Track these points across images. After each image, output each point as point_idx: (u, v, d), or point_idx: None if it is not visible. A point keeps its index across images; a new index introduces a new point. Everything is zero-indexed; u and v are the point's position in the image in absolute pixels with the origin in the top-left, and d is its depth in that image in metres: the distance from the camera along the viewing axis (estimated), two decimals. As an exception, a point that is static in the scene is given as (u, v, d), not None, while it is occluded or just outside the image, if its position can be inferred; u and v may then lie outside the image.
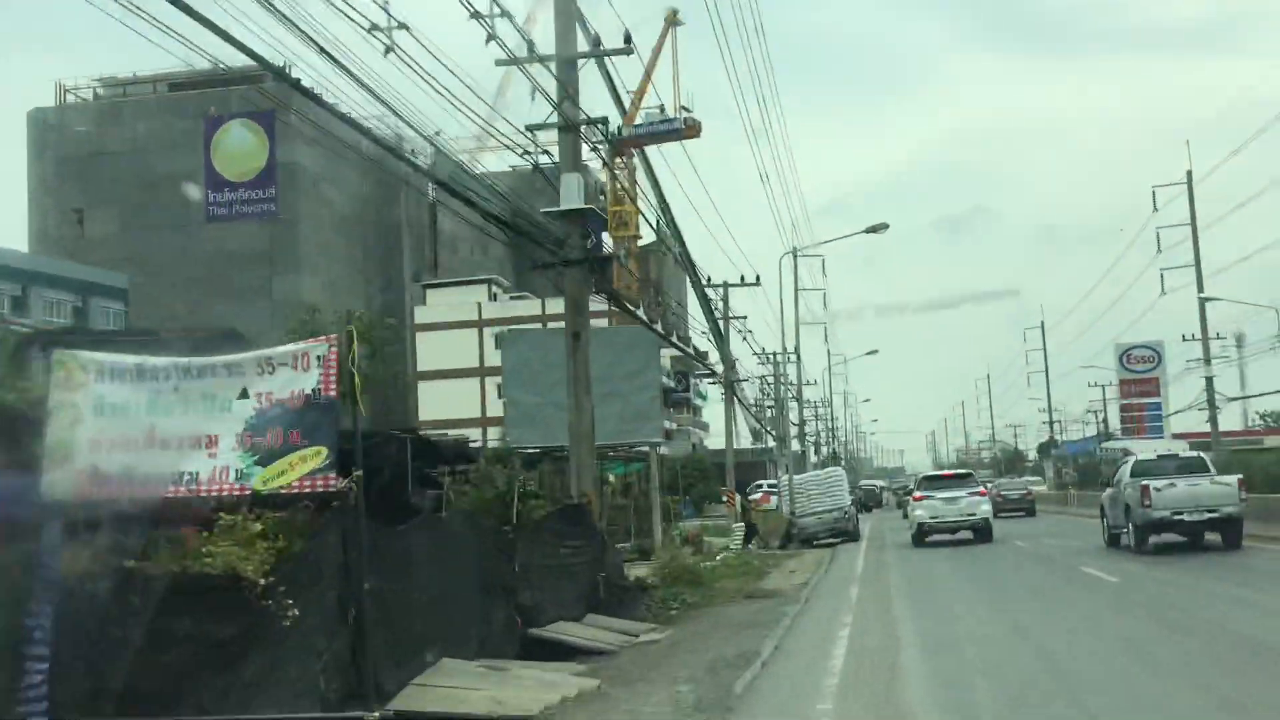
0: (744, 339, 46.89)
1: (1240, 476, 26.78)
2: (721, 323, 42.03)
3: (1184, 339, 64.80)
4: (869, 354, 59.59)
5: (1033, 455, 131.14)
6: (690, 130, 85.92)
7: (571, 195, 21.70)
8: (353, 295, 74.78)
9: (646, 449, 32.79)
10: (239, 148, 72.04)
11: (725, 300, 41.93)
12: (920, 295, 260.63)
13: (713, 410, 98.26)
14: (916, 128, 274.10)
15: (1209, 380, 62.84)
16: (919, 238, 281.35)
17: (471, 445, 21.82)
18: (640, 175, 63.51)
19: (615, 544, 32.05)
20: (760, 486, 61.61)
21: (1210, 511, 25.18)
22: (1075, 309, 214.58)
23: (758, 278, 42.83)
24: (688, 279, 46.79)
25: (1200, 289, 62.32)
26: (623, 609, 18.93)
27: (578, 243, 21.78)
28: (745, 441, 71.49)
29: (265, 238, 69.71)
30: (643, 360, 30.57)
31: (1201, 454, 30.89)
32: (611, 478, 38.97)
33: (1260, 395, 66.75)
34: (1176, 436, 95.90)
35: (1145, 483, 25.72)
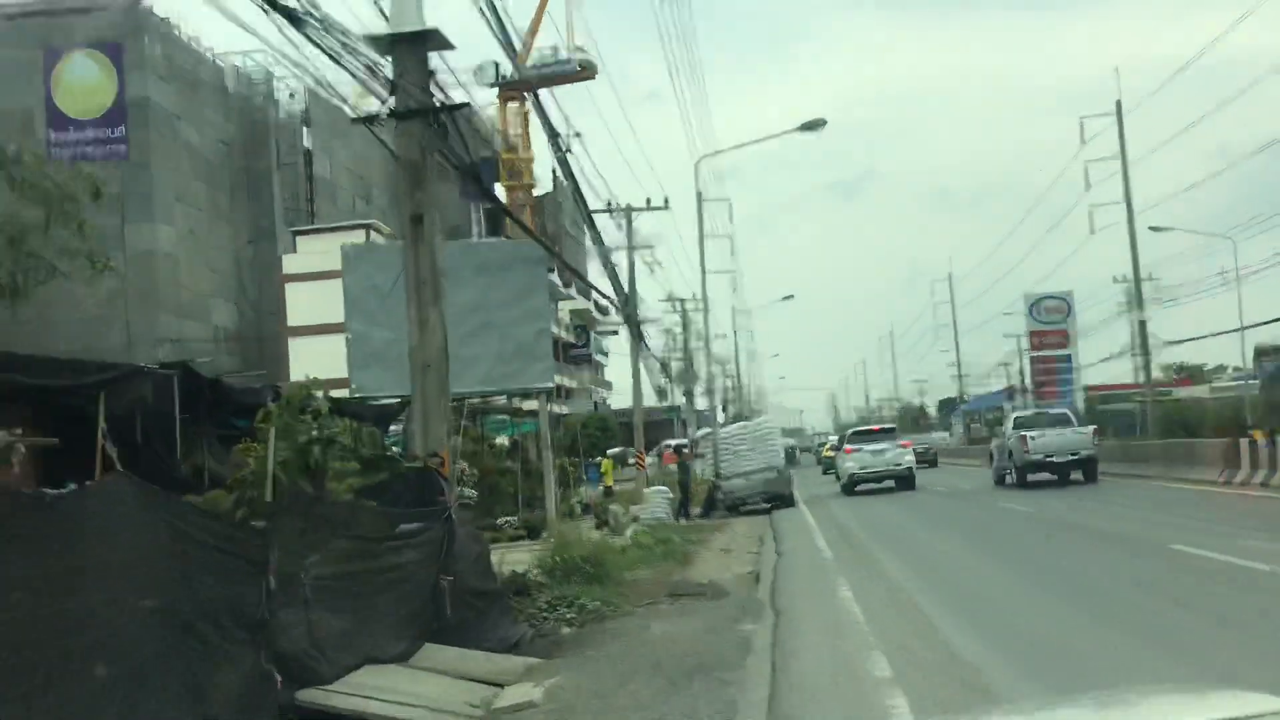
0: (651, 272, 39.80)
1: (1095, 427, 35.29)
2: (625, 254, 34.76)
3: (1114, 280, 58.70)
4: (785, 299, 53.60)
5: (934, 413, 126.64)
6: (585, 71, 78.46)
7: (408, 11, 14.17)
8: (215, 246, 65.96)
9: (534, 399, 25.56)
10: (84, 81, 62.99)
11: (628, 224, 34.68)
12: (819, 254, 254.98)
13: (615, 368, 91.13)
14: (807, 90, 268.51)
15: (1142, 325, 56.87)
16: (812, 201, 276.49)
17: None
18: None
19: (494, 520, 24.69)
20: (669, 446, 54.61)
21: (1073, 454, 30.91)
22: (986, 260, 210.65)
23: (666, 200, 35.67)
24: (586, 231, 39.53)
25: (1131, 225, 56.46)
26: (484, 629, 11.84)
27: (416, 82, 14.29)
28: (650, 400, 64.39)
29: (115, 182, 60.47)
30: (527, 282, 23.17)
31: (1066, 410, 37.35)
32: (499, 439, 31.48)
33: (1193, 339, 60.52)
34: (1092, 389, 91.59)
35: (1024, 433, 31.40)
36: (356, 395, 22.11)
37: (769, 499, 29.83)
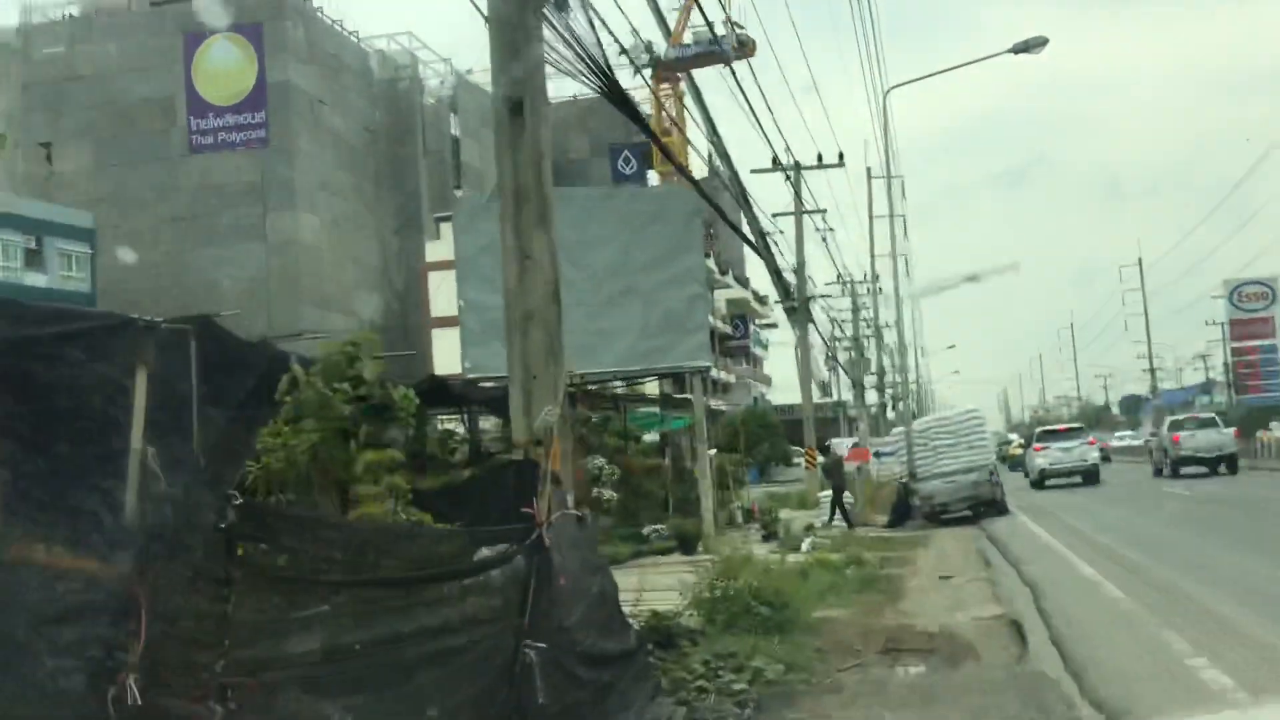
0: (823, 240, 34.88)
1: (1235, 429, 39.50)
2: (793, 221, 29.88)
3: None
4: (969, 280, 48.17)
5: (1115, 410, 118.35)
6: (744, 49, 73.62)
7: None
8: (360, 236, 63.12)
9: (686, 382, 20.99)
10: (224, 66, 60.49)
11: (797, 189, 29.82)
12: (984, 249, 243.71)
13: (775, 362, 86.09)
14: (976, 80, 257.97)
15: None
16: (980, 191, 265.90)
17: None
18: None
19: (639, 528, 20.21)
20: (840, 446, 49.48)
21: (1217, 450, 35.60)
22: (1174, 248, 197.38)
23: (840, 156, 30.68)
24: (743, 215, 34.94)
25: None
26: (605, 714, 7.32)
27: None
28: (814, 397, 59.29)
29: (256, 170, 58.16)
30: (679, 239, 18.63)
31: (1214, 415, 42.60)
32: (646, 436, 26.99)
33: None
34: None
35: (1175, 433, 36.98)
36: (470, 375, 17.85)
37: (975, 505, 24.65)
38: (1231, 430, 37.93)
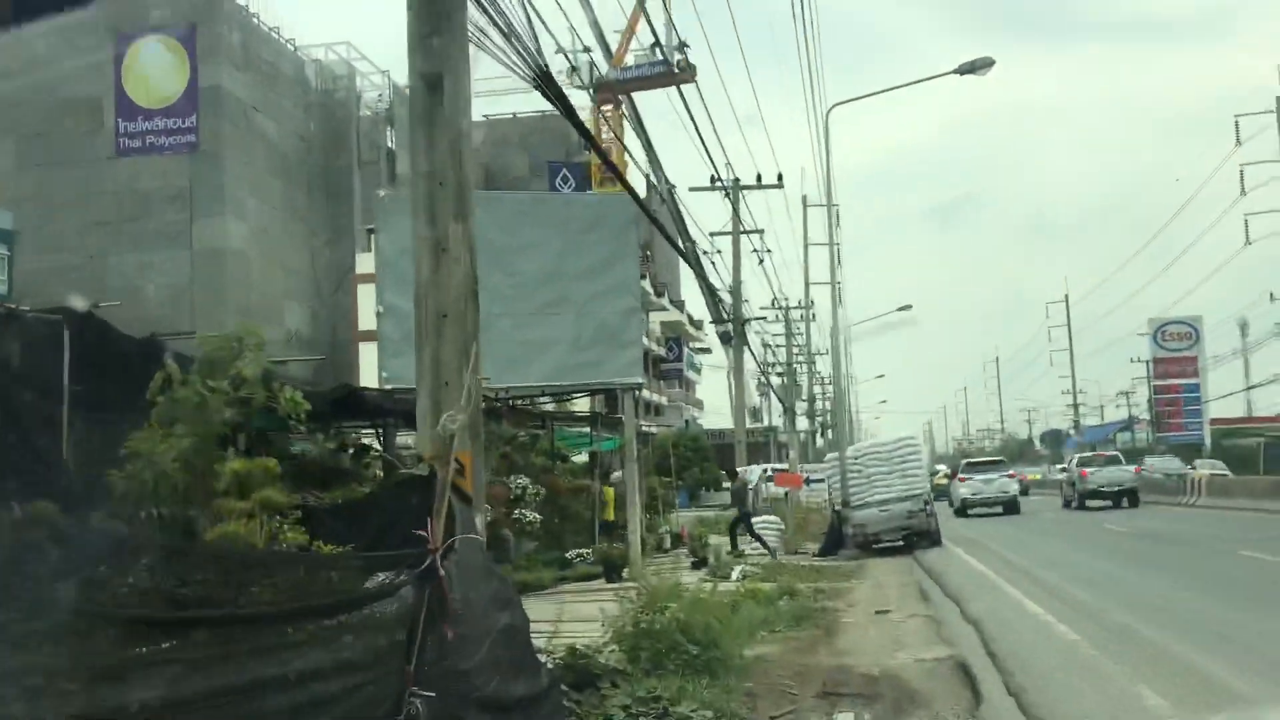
0: (760, 261, 34.04)
1: (1137, 467, 44.31)
2: (730, 240, 28.96)
3: (1271, 298, 51.53)
4: (901, 309, 47.17)
5: (1039, 445, 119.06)
6: (684, 74, 73.01)
7: None
8: (290, 245, 61.39)
9: (619, 401, 19.98)
10: (155, 69, 58.69)
11: (735, 206, 28.95)
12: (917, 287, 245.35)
13: (707, 387, 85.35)
14: (909, 112, 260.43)
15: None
16: (908, 226, 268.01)
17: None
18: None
19: (563, 553, 19.20)
20: (766, 472, 48.66)
21: (1119, 485, 38.70)
22: (1100, 285, 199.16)
23: (780, 177, 29.90)
24: (679, 234, 33.95)
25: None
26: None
27: None
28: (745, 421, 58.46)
29: (184, 175, 56.31)
30: (615, 249, 17.62)
31: (1117, 452, 47.48)
32: (576, 456, 25.95)
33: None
34: (1215, 422, 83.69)
35: (1083, 468, 40.64)
36: (388, 386, 16.68)
37: (910, 535, 23.79)
38: (1133, 467, 42.20)
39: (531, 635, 8.37)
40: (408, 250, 17.55)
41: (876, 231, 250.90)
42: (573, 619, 11.80)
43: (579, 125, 14.33)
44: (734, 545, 23.45)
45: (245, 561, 5.50)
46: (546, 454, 23.43)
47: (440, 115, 8.89)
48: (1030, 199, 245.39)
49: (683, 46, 75.65)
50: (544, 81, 12.19)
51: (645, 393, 62.27)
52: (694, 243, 27.92)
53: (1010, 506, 37.76)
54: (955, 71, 22.91)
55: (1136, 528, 25.20)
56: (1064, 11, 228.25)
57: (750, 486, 25.01)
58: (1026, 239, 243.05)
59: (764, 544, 23.12)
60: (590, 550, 19.14)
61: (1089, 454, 46.73)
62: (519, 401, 21.39)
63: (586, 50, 21.48)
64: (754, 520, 25.96)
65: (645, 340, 63.13)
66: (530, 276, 17.30)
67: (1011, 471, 42.65)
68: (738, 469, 28.54)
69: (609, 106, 79.74)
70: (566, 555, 19.00)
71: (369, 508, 8.84)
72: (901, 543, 23.99)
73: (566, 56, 21.82)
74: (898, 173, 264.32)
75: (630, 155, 37.39)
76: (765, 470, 47.02)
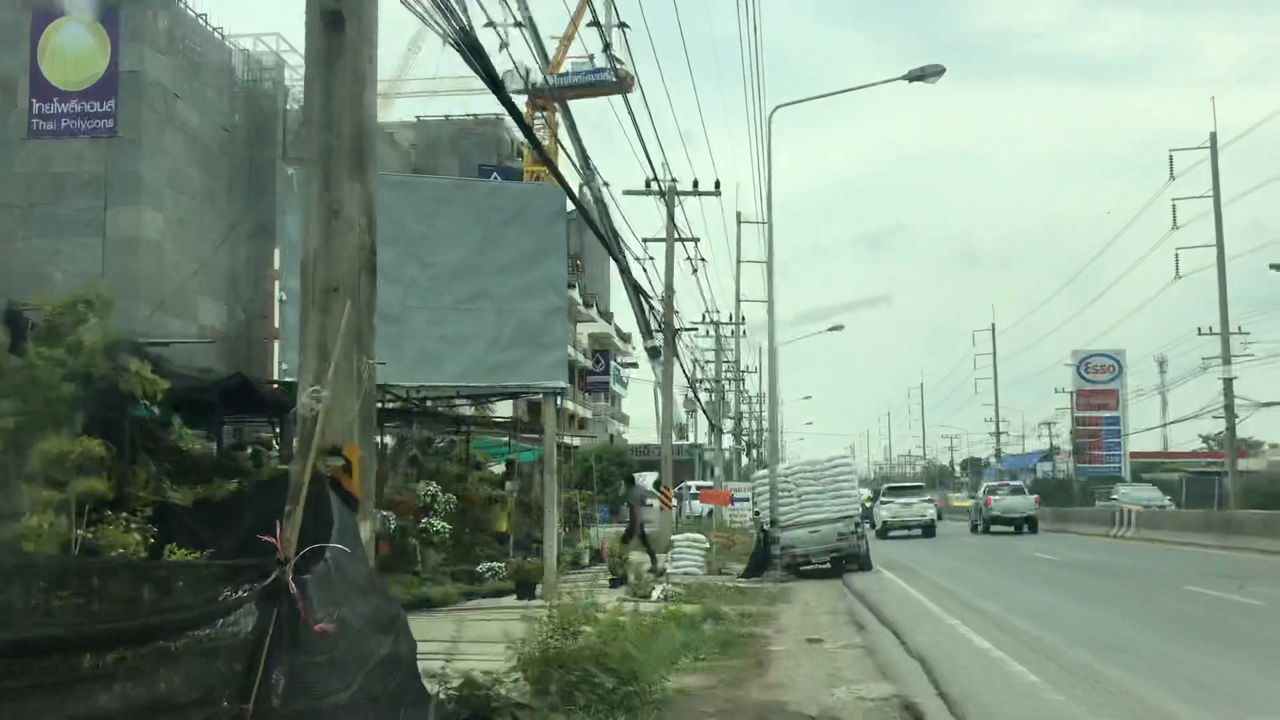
0: (694, 271, 33.03)
1: (1036, 496, 48.64)
2: (664, 248, 27.87)
3: (1199, 332, 51.50)
4: (833, 329, 46.46)
5: (959, 473, 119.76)
6: (622, 84, 72.08)
7: None
8: (209, 239, 59.35)
9: (540, 409, 18.78)
10: (74, 50, 56.48)
11: (670, 209, 27.91)
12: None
13: (634, 402, 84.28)
14: (838, 145, 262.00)
15: (1227, 383, 49.69)
16: (839, 252, 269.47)
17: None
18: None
19: (474, 567, 18.00)
20: (690, 489, 47.70)
21: (1020, 513, 42.73)
22: (1025, 317, 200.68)
23: (717, 184, 28.92)
24: (609, 253, 32.82)
25: (1221, 269, 49.49)
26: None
27: None
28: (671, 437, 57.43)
29: (100, 161, 54.15)
30: (541, 243, 16.45)
31: (1020, 483, 50.39)
32: (493, 466, 24.72)
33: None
34: (1135, 455, 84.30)
35: (988, 496, 45.12)
36: (289, 379, 15.34)
37: (839, 559, 22.76)
38: (1034, 497, 46.62)
39: (420, 662, 7.20)
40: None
41: (807, 256, 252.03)
42: (477, 639, 10.57)
43: (507, 102, 13.18)
44: (654, 561, 22.46)
45: (34, 567, 4.27)
46: (462, 461, 22.16)
47: (340, 59, 7.72)
48: (959, 231, 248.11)
49: (617, 61, 74.99)
50: (467, 46, 11.05)
51: (570, 405, 61.02)
52: (622, 241, 26.94)
53: (928, 530, 39.92)
54: (905, 78, 22.04)
55: (1069, 559, 24.48)
56: (996, 50, 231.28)
57: (642, 493, 24.19)
58: (953, 270, 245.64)
59: (651, 555, 22.47)
60: (503, 564, 17.90)
61: (995, 484, 50.19)
62: (433, 403, 20.14)
63: (519, 25, 20.30)
64: (676, 538, 24.90)
65: (572, 351, 61.96)
66: (448, 268, 16.12)
67: (929, 497, 46.50)
68: (634, 477, 27.60)
69: (542, 114, 78.77)
70: (477, 569, 17.75)
71: (238, 508, 7.64)
72: (829, 565, 23.00)
73: (498, 32, 20.66)
74: (830, 201, 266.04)
75: (567, 155, 36.32)
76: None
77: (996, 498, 43.96)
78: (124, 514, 6.50)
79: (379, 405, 17.60)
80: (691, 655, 11.21)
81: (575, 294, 59.00)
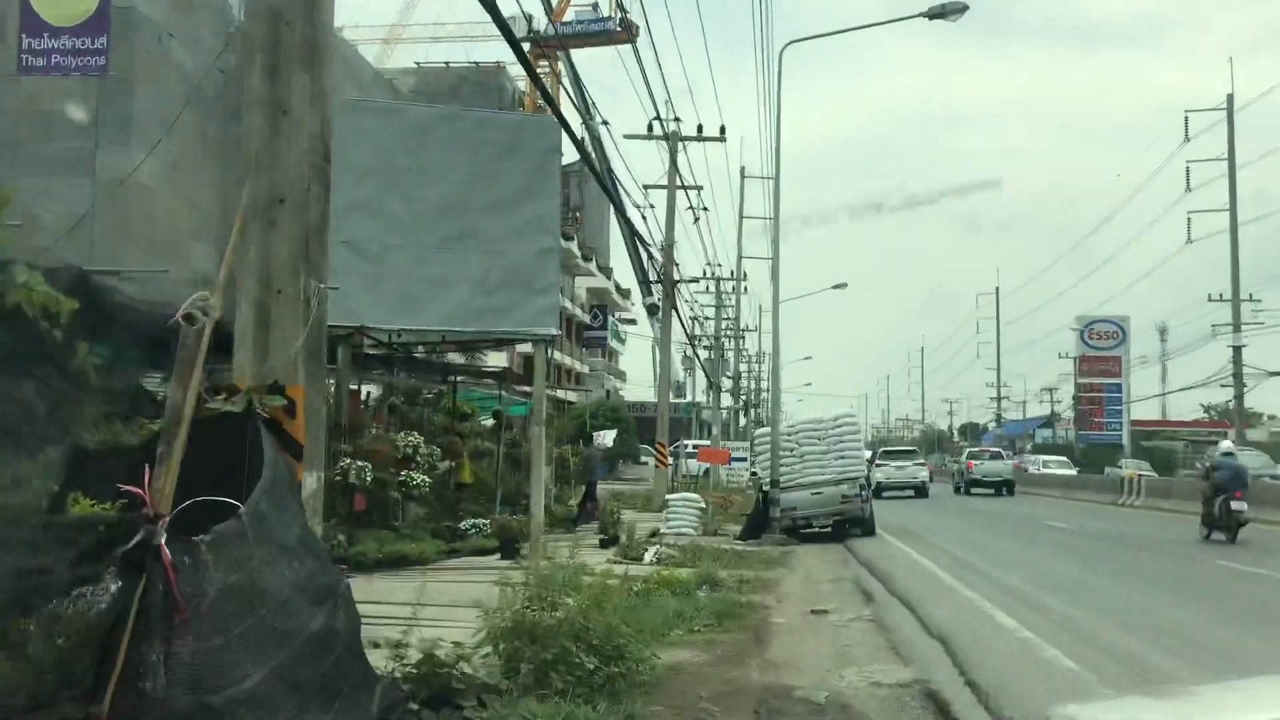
0: (695, 220, 31.81)
1: (1015, 462, 52.04)
2: (665, 194, 26.70)
3: (1210, 299, 50.44)
4: (837, 287, 45.33)
5: (958, 438, 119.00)
6: (625, 34, 70.54)
7: None
8: (201, 182, 57.92)
9: (528, 351, 17.66)
10: (64, -17, 55.26)
11: (673, 153, 26.72)
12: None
13: (631, 359, 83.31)
14: (841, 104, 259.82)
15: (1237, 351, 48.65)
16: (842, 213, 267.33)
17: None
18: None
19: (455, 523, 17.04)
20: (688, 447, 46.74)
21: (998, 476, 46.02)
22: (1031, 281, 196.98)
23: (722, 129, 27.66)
24: (611, 205, 31.50)
25: (1234, 234, 48.37)
26: None
27: None
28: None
29: (91, 99, 52.59)
30: (533, 180, 15.32)
31: (1000, 450, 55.20)
32: (485, 420, 23.69)
33: None
34: (1137, 424, 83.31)
35: (970, 461, 49.26)
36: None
37: (842, 522, 21.73)
38: (1011, 462, 50.18)
39: (380, 629, 6.19)
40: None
41: (810, 216, 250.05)
42: (451, 602, 9.56)
43: (511, 40, 12.05)
44: (577, 520, 21.61)
45: None
46: (448, 412, 21.11)
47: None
48: (956, 198, 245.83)
49: (621, 6, 73.18)
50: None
51: (566, 360, 59.89)
52: (623, 188, 25.75)
53: (920, 490, 42.54)
54: (925, 15, 20.84)
55: (1085, 528, 23.40)
56: (1000, 13, 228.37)
57: (600, 451, 23.23)
58: (955, 235, 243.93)
59: (584, 513, 21.70)
60: (488, 521, 16.88)
61: (977, 450, 54.84)
62: (422, 350, 19.07)
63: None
64: (671, 497, 23.89)
65: (569, 305, 60.73)
66: (433, 204, 14.99)
67: (922, 460, 49.06)
68: (592, 434, 26.57)
69: (545, 63, 77.18)
70: (460, 525, 16.74)
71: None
72: (830, 529, 21.99)
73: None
74: (833, 161, 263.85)
75: (569, 97, 34.99)
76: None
77: (977, 463, 47.89)
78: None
79: (358, 350, 16.52)
80: (685, 626, 10.20)
81: (574, 246, 57.74)
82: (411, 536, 15.26)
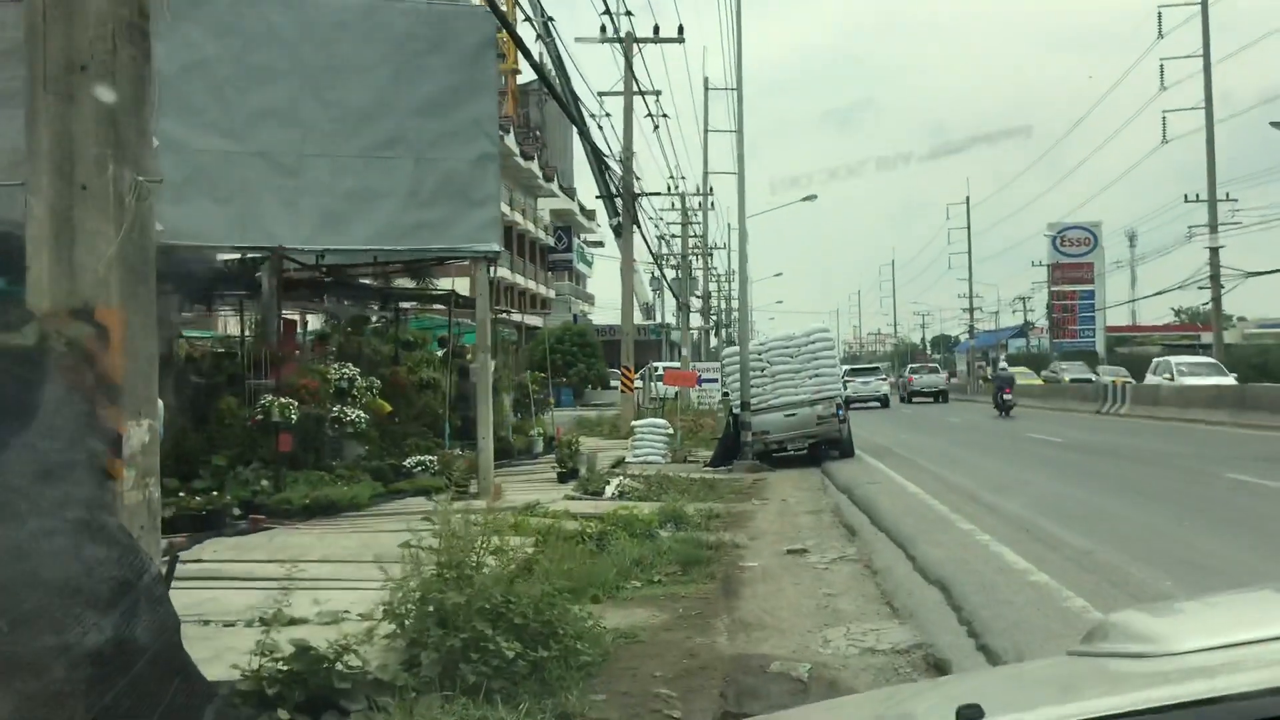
0: (655, 128, 30.09)
1: (946, 374, 66.14)
2: (622, 102, 24.95)
3: (1186, 199, 49.15)
4: (806, 199, 43.47)
5: (930, 351, 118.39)
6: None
7: None
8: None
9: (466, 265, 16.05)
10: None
11: (628, 58, 24.90)
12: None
13: (600, 282, 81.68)
14: (806, 14, 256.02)
15: (1214, 252, 47.41)
16: (808, 128, 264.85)
17: None
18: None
19: (402, 462, 15.66)
20: (657, 370, 45.25)
21: (934, 387, 55.72)
22: (1001, 190, 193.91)
23: (680, 30, 25.83)
24: (575, 129, 29.50)
25: (1210, 132, 46.93)
26: None
27: None
28: (636, 318, 54.76)
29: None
30: (467, 77, 13.64)
31: (936, 364, 70.50)
32: (434, 349, 22.18)
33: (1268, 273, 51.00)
34: (1112, 330, 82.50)
35: (910, 375, 59.41)
36: (165, 242, 12.57)
37: (818, 444, 20.36)
38: (944, 374, 62.04)
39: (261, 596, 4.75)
40: (194, 65, 13.25)
41: (776, 130, 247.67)
42: (376, 558, 8.07)
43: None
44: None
45: None
46: (393, 341, 19.58)
47: None
48: (928, 107, 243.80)
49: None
50: None
51: (531, 285, 58.15)
52: (583, 106, 24.02)
53: (883, 401, 48.42)
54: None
55: (1072, 440, 22.02)
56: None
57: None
58: (925, 145, 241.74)
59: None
60: (435, 459, 15.43)
61: (917, 365, 65.14)
62: (364, 275, 17.50)
63: None
64: (637, 424, 22.51)
65: (533, 228, 58.84)
66: (354, 109, 13.36)
67: (883, 375, 55.61)
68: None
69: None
70: (405, 464, 15.28)
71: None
72: (805, 452, 20.65)
73: None
74: (797, 76, 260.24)
75: (522, 10, 32.94)
76: (655, 368, 43.67)
77: (917, 376, 57.50)
78: None
79: (287, 276, 14.90)
80: (645, 576, 8.82)
81: (535, 166, 55.78)
82: (347, 477, 13.80)
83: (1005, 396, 34.66)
